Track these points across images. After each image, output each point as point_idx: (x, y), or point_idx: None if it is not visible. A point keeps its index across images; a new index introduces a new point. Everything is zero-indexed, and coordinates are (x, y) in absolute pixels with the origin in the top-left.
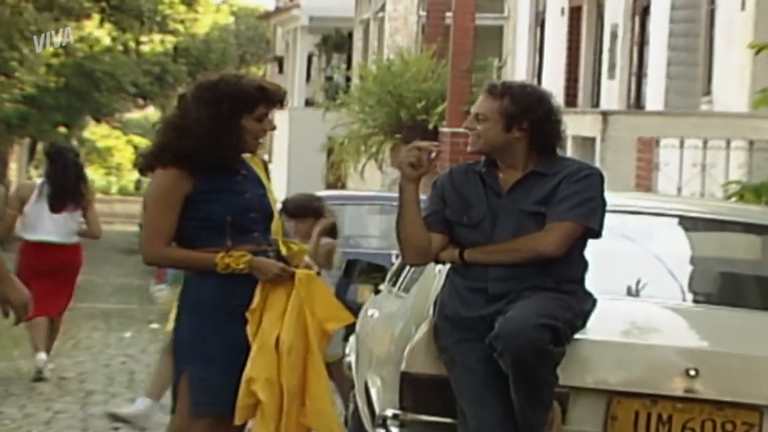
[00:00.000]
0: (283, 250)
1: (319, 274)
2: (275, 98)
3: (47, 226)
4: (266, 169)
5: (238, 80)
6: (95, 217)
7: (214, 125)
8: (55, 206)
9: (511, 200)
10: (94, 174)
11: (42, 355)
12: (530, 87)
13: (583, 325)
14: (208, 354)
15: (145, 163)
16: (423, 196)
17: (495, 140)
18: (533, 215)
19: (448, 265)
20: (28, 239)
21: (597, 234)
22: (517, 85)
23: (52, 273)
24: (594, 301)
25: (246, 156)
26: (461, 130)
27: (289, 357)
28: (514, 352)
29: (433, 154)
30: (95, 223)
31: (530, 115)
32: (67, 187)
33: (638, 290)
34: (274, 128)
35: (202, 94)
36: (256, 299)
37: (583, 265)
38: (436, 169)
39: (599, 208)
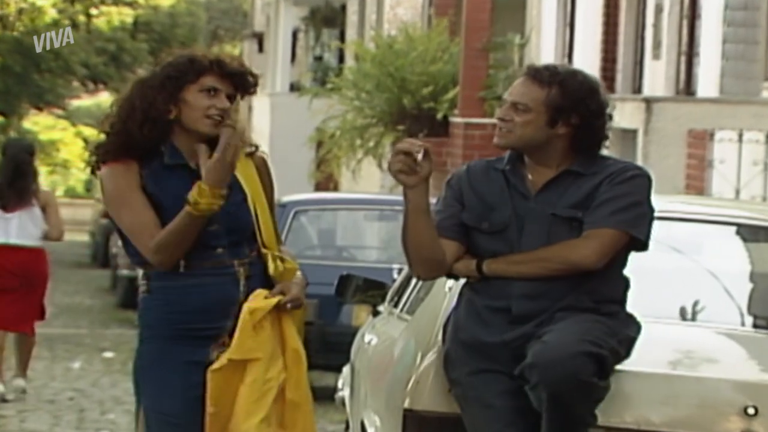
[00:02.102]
0: (272, 269)
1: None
2: (228, 70)
3: (1, 228)
4: (261, 169)
5: (187, 50)
6: (56, 217)
7: (139, 98)
8: (6, 204)
9: (541, 203)
10: None
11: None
12: (581, 74)
13: (627, 354)
14: (162, 383)
15: (96, 158)
16: (432, 200)
17: (534, 136)
18: (567, 221)
19: (461, 282)
20: None
21: (643, 246)
22: (567, 72)
23: (12, 280)
24: (638, 327)
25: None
26: (476, 120)
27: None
28: (551, 385)
29: (420, 156)
30: (55, 223)
31: (582, 109)
32: (7, 182)
33: (687, 312)
34: (225, 107)
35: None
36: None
37: (625, 284)
38: (445, 167)
39: (646, 215)
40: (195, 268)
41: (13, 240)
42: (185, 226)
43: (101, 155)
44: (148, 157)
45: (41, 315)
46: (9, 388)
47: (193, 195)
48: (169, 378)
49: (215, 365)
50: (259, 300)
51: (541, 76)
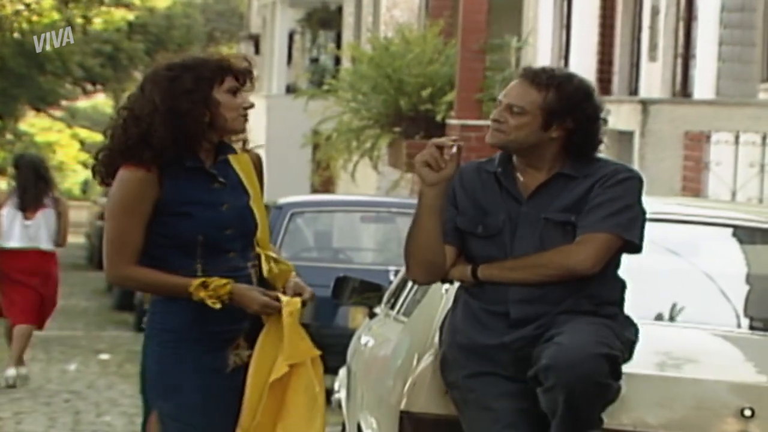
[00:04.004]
0: (265, 270)
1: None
2: (242, 70)
3: (21, 233)
4: (259, 167)
5: (198, 53)
6: (63, 225)
7: (176, 101)
8: (26, 208)
9: (533, 207)
10: None
11: (11, 371)
12: (577, 78)
13: (629, 356)
14: (180, 388)
15: (105, 170)
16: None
17: (528, 138)
18: (560, 225)
19: (457, 284)
20: (4, 247)
21: (637, 248)
22: (563, 76)
23: (30, 280)
24: (636, 329)
25: (233, 157)
26: (472, 122)
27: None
28: (569, 386)
29: (454, 149)
30: (62, 231)
31: (577, 113)
32: (27, 187)
33: (683, 314)
34: (251, 105)
35: (158, 72)
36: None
37: (621, 286)
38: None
39: (638, 218)
40: (213, 273)
41: (31, 244)
42: (167, 292)
43: (120, 158)
44: (167, 161)
45: (51, 311)
46: (9, 377)
47: (207, 292)
48: (189, 384)
49: (275, 375)
50: (290, 304)
51: (538, 78)
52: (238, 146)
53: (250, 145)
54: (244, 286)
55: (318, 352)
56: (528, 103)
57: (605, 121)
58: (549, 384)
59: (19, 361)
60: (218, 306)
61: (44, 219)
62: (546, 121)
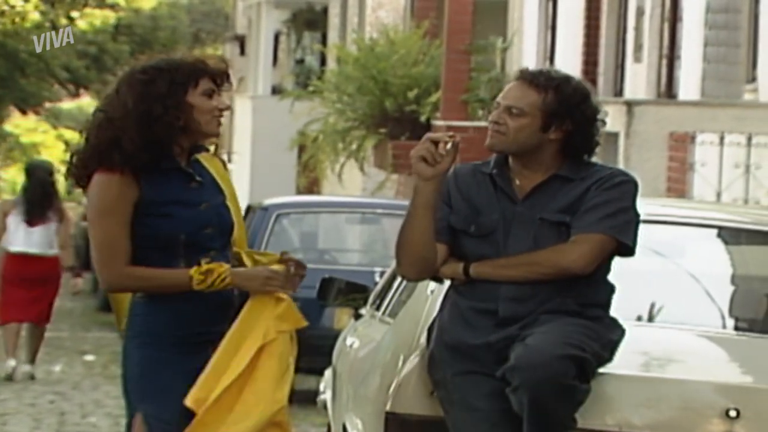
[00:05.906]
0: (248, 264)
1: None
2: (218, 71)
3: (25, 239)
4: (225, 170)
5: (174, 55)
6: (63, 233)
7: (149, 105)
8: (31, 220)
9: (529, 207)
10: (16, 175)
11: (12, 362)
12: (575, 80)
13: (610, 357)
14: (164, 389)
15: (79, 173)
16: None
17: (527, 140)
18: (555, 225)
19: (445, 285)
20: (9, 250)
21: (630, 251)
22: (561, 77)
23: (30, 282)
24: (622, 331)
25: (204, 157)
26: (458, 123)
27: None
28: (533, 388)
29: (449, 146)
30: (64, 236)
31: (576, 114)
32: (34, 202)
33: (669, 315)
34: (227, 107)
35: (132, 75)
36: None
37: (610, 289)
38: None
39: (633, 221)
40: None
41: (35, 250)
42: (167, 285)
43: (95, 162)
44: (140, 164)
45: (50, 309)
46: (19, 372)
47: (210, 279)
48: (172, 385)
49: (266, 339)
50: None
51: (536, 80)
52: (210, 149)
53: (222, 150)
54: (241, 269)
55: (305, 323)
56: (527, 105)
57: (603, 122)
58: (514, 384)
59: (32, 360)
60: (225, 283)
61: (47, 228)
62: (545, 123)
